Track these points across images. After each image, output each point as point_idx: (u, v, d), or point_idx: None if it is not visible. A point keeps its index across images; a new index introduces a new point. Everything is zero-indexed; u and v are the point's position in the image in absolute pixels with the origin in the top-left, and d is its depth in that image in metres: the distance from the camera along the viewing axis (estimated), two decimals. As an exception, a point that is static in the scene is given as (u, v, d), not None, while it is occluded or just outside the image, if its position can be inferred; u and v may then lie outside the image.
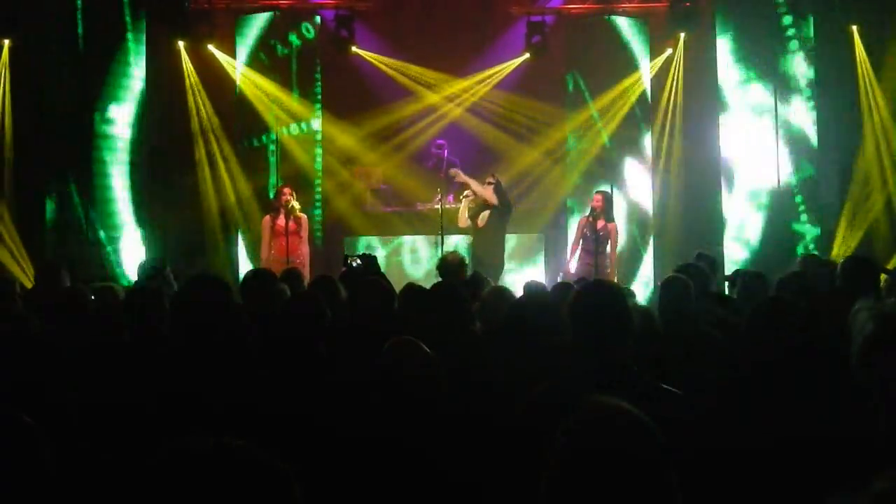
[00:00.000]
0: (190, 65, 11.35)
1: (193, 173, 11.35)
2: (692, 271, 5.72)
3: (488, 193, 9.68)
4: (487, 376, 3.72)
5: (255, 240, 10.76)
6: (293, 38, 11.87)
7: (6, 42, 10.50)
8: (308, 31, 11.81)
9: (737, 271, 7.01)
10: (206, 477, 1.54)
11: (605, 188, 10.31)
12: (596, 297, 3.05)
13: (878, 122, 10.82)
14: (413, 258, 11.34)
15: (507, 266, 10.27)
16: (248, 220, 11.60)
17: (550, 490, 1.79)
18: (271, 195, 10.69)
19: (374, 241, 11.31)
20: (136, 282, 6.28)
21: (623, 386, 2.69)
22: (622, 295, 3.11)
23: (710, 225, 11.23)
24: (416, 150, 11.84)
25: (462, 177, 9.97)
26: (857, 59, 10.85)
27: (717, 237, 11.08)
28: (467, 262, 7.02)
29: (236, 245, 11.57)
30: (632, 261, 11.59)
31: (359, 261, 6.67)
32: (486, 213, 9.70)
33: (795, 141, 11.17)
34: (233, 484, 1.54)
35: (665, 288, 5.42)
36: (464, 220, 9.84)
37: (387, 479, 2.90)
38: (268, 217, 9.75)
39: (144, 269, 6.49)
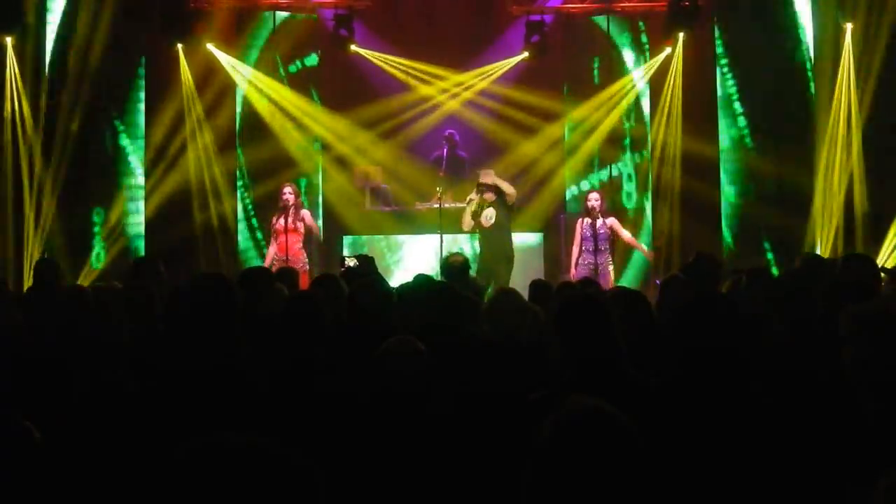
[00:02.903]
0: (187, 67, 11.33)
1: (187, 175, 11.35)
2: (693, 270, 5.71)
3: (508, 188, 9.58)
4: (483, 379, 3.72)
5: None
6: (292, 37, 11.86)
7: (9, 40, 10.49)
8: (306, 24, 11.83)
9: (737, 270, 6.99)
10: (231, 471, 1.54)
11: (597, 187, 10.30)
12: (577, 310, 3.18)
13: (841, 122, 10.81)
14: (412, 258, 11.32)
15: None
16: (244, 218, 11.62)
17: (530, 490, 1.81)
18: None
19: (372, 239, 11.28)
20: (131, 279, 6.28)
21: (607, 384, 2.78)
22: (602, 305, 3.21)
23: (709, 226, 11.25)
24: (416, 146, 11.86)
25: (492, 178, 9.70)
26: (844, 57, 10.84)
27: (716, 239, 11.10)
28: (471, 263, 7.00)
29: (234, 245, 11.56)
30: (630, 259, 11.61)
31: (356, 261, 6.66)
32: (491, 210, 9.62)
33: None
34: (259, 478, 1.55)
35: (665, 288, 5.42)
36: (468, 223, 9.71)
37: (379, 479, 2.90)
38: (274, 217, 9.79)
39: (138, 268, 6.47)
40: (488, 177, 9.71)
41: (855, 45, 10.69)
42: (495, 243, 9.57)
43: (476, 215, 9.66)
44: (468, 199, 9.75)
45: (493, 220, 9.59)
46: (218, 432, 1.60)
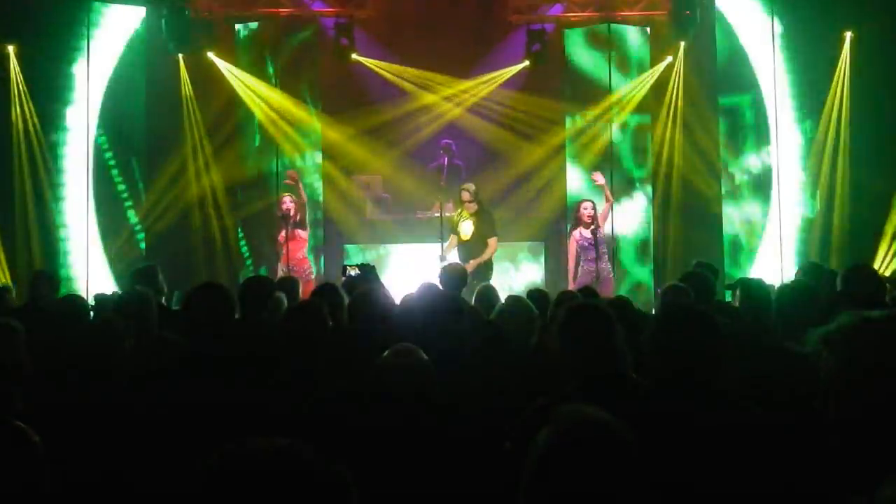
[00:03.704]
0: (187, 78, 11.35)
1: (187, 185, 11.36)
2: (692, 280, 5.71)
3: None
4: (483, 387, 3.71)
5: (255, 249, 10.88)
6: (293, 46, 11.86)
7: (11, 48, 10.52)
8: (307, 34, 11.83)
9: (738, 279, 6.99)
10: (265, 477, 1.54)
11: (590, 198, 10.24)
12: (582, 320, 3.20)
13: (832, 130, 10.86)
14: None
15: (508, 273, 10.30)
16: (244, 229, 11.63)
17: (527, 495, 1.83)
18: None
19: (373, 248, 11.29)
20: (128, 289, 6.30)
21: (612, 394, 2.80)
22: (608, 314, 3.23)
23: (709, 234, 11.27)
24: (417, 155, 11.86)
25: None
26: (840, 66, 10.84)
27: (716, 247, 11.12)
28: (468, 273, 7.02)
29: (235, 255, 11.56)
30: (631, 268, 11.62)
31: (357, 269, 6.66)
32: (468, 224, 9.66)
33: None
34: (292, 484, 1.55)
35: (665, 297, 5.41)
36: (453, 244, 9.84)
37: (379, 485, 2.90)
38: (276, 231, 9.81)
39: (137, 277, 6.48)
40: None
41: (853, 53, 10.72)
42: (474, 256, 9.55)
43: (454, 229, 9.71)
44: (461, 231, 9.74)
45: (470, 233, 9.61)
46: (250, 438, 1.61)
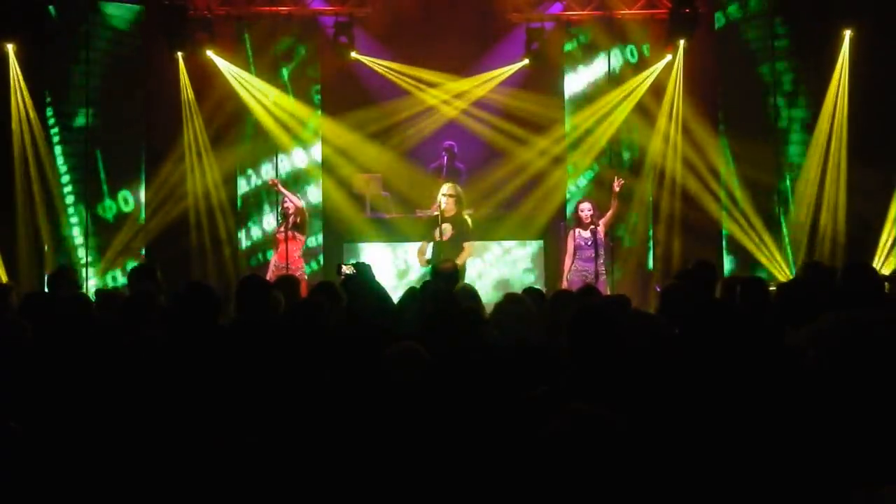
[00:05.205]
0: (187, 77, 11.35)
1: (186, 183, 11.38)
2: (689, 278, 5.72)
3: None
4: (484, 382, 3.73)
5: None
6: (292, 45, 11.86)
7: (10, 47, 10.53)
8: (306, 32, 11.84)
9: (736, 278, 7.01)
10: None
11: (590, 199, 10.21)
12: (590, 318, 3.26)
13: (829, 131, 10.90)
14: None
15: (507, 273, 10.30)
16: (242, 227, 11.63)
17: (527, 487, 1.87)
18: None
19: (372, 246, 11.29)
20: (128, 287, 6.30)
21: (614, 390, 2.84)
22: (614, 314, 3.29)
23: (708, 233, 11.30)
24: (416, 153, 11.85)
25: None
26: (839, 65, 10.86)
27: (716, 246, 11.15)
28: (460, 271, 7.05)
29: (233, 253, 11.56)
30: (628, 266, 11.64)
31: (352, 268, 6.66)
32: (446, 225, 9.60)
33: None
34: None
35: (664, 295, 5.43)
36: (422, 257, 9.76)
37: (382, 480, 2.92)
38: (276, 227, 9.80)
39: (137, 275, 6.49)
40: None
41: (852, 52, 10.73)
42: (451, 256, 9.50)
43: (431, 231, 9.66)
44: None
45: (448, 234, 9.55)
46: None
